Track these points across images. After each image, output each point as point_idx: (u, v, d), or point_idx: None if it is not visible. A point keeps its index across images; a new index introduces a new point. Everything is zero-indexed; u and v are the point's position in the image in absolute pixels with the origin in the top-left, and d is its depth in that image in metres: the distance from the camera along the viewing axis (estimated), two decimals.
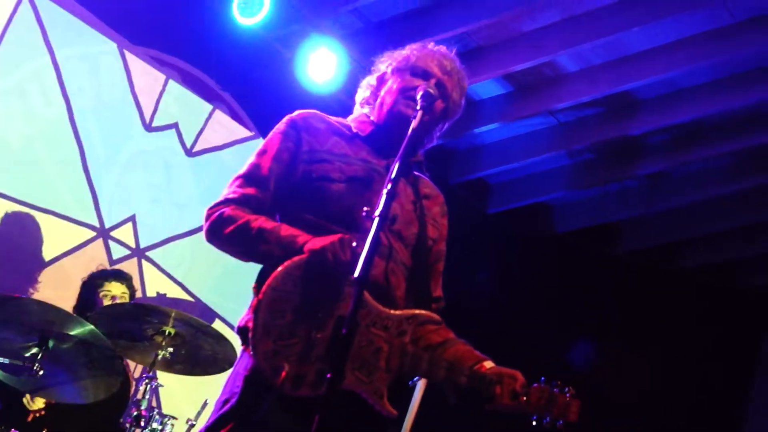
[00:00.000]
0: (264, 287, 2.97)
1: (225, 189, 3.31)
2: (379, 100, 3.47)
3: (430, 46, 3.54)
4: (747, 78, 7.14)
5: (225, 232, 3.17)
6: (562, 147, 8.12)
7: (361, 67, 7.22)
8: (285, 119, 3.41)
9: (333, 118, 3.49)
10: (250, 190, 3.26)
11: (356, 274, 2.63)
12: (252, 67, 7.16)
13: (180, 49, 6.89)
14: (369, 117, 3.48)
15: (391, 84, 3.44)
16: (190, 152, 6.91)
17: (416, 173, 3.52)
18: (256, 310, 2.95)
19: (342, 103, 7.10)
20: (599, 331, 8.45)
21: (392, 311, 3.05)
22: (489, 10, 6.87)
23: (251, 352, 2.97)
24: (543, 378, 3.04)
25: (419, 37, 6.95)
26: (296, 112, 3.43)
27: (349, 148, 3.36)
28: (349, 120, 3.51)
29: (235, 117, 7.19)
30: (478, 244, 8.06)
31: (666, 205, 8.52)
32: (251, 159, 3.35)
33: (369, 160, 3.34)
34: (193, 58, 6.95)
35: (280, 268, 2.98)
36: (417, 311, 3.09)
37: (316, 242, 2.99)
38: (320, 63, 6.97)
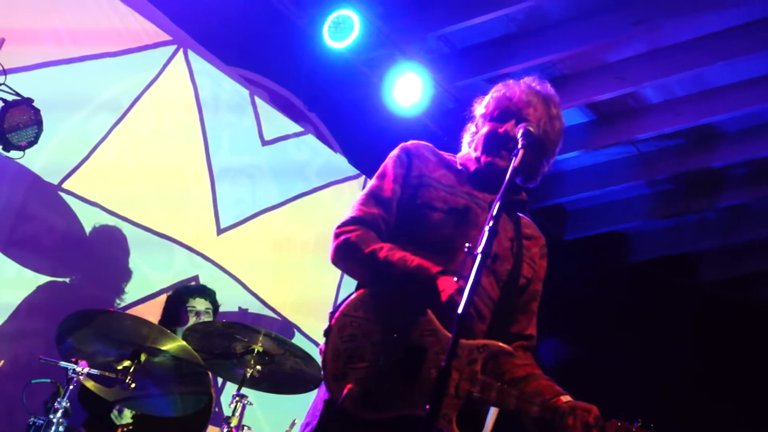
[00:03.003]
0: (337, 313, 3.09)
1: (351, 207, 3.39)
2: (472, 146, 3.53)
3: (512, 82, 3.52)
4: None
5: (351, 259, 3.26)
6: (642, 177, 8.11)
7: (445, 92, 7.30)
8: (399, 146, 3.50)
9: (444, 154, 3.55)
10: (374, 210, 3.34)
11: (460, 310, 2.65)
12: (339, 90, 7.28)
13: (270, 70, 7.03)
14: (474, 156, 3.51)
15: (479, 131, 3.50)
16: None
17: (519, 214, 3.56)
18: (327, 333, 3.07)
19: (426, 127, 7.19)
20: (674, 360, 8.39)
21: (463, 340, 3.06)
22: (574, 40, 6.92)
23: (323, 375, 3.08)
24: (622, 413, 3.05)
25: (504, 65, 7.13)
26: (410, 142, 3.51)
27: (455, 180, 3.43)
28: (458, 157, 3.56)
29: (321, 137, 7.31)
30: (553, 270, 8.04)
31: (743, 238, 8.46)
32: (372, 181, 3.44)
33: (473, 193, 3.39)
34: (282, 78, 7.10)
35: (353, 295, 3.10)
36: (488, 341, 3.10)
37: (446, 287, 3.00)
38: (406, 87, 7.03)
